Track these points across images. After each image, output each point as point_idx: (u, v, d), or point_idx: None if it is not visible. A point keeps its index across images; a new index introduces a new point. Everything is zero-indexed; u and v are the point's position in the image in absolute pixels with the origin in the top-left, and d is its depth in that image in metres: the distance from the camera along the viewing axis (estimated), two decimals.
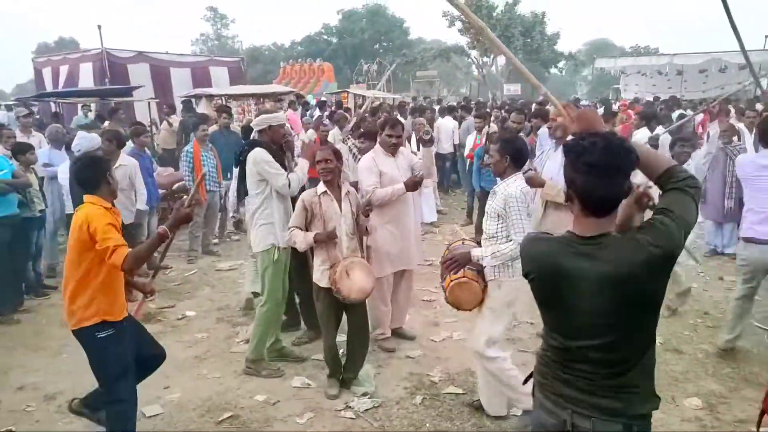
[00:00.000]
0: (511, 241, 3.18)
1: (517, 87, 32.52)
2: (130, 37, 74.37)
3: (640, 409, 1.80)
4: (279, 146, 4.17)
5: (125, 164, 5.92)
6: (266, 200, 4.07)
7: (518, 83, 33.50)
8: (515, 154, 3.32)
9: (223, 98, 13.65)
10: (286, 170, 4.08)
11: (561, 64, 40.53)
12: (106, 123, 9.43)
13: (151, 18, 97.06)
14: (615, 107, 14.08)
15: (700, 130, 10.82)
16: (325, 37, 49.85)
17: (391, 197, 4.31)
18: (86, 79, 15.83)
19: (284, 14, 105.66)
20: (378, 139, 4.63)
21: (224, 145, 7.49)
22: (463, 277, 3.28)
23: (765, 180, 4.10)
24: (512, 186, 3.25)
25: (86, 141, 5.77)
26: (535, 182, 4.02)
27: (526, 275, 1.92)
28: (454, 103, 16.46)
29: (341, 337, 4.06)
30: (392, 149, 4.45)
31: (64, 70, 16.89)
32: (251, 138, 4.88)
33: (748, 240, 4.13)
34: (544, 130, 5.96)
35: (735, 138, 6.73)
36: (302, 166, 4.25)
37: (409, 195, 4.47)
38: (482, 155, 7.64)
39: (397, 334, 4.77)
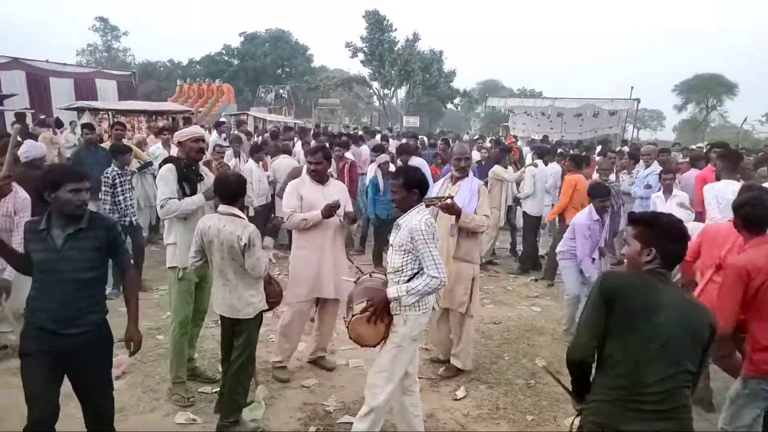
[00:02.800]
0: (423, 274, 3.12)
1: (416, 119, 33.81)
2: (6, 41, 67.76)
3: (692, 427, 2.16)
4: (193, 161, 4.02)
5: None
6: (170, 220, 3.94)
7: (417, 116, 34.86)
8: (417, 186, 3.28)
9: (110, 113, 12.79)
10: (194, 189, 3.95)
11: (457, 101, 42.75)
12: None
13: (31, 21, 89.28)
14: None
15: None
16: (226, 58, 48.82)
17: (305, 224, 4.26)
18: None
19: (183, 31, 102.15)
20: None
21: (93, 163, 6.67)
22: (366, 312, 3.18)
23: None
24: (415, 218, 3.18)
25: (34, 149, 5.64)
26: (452, 210, 4.17)
27: (608, 308, 2.18)
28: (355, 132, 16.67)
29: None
30: (314, 176, 4.42)
31: None
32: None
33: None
34: None
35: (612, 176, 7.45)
36: (195, 200, 3.94)
37: (330, 223, 4.36)
38: (377, 183, 7.82)
39: (318, 364, 4.67)
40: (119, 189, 6.11)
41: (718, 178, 5.21)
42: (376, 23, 37.44)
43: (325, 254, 4.41)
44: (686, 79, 48.03)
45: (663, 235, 2.22)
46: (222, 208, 3.49)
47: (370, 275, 3.57)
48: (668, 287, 2.21)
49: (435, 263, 3.10)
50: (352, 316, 3.23)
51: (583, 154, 9.54)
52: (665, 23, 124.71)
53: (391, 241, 3.28)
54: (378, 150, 8.37)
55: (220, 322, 3.73)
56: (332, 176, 4.86)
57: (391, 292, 3.16)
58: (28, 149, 5.62)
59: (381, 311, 3.17)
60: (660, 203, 6.21)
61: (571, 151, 13.35)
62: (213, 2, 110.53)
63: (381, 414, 3.27)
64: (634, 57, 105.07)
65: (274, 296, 3.73)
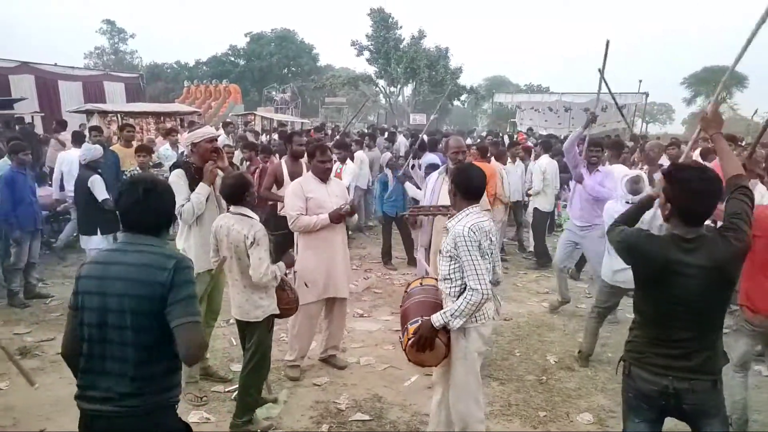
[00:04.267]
0: (465, 287, 2.93)
1: (423, 116, 33.71)
2: (14, 45, 68.35)
3: (720, 365, 2.32)
4: (206, 163, 3.98)
5: None
6: (183, 224, 3.97)
7: (423, 113, 34.75)
8: (463, 185, 3.05)
9: (118, 115, 12.87)
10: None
11: (463, 97, 42.60)
12: None
13: (37, 26, 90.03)
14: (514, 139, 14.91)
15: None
16: (232, 58, 48.94)
17: (314, 227, 4.24)
18: None
19: (189, 32, 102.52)
20: (310, 165, 4.57)
21: (103, 165, 6.63)
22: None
23: None
24: (459, 224, 2.97)
25: (90, 152, 5.98)
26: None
27: (634, 265, 2.36)
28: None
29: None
30: (325, 175, 4.40)
31: None
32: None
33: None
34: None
35: None
36: (199, 189, 3.96)
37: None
38: (385, 181, 7.86)
39: (329, 362, 4.67)
40: None
41: None
42: (382, 21, 37.36)
43: (336, 254, 4.41)
44: (695, 72, 47.58)
45: (680, 191, 2.25)
46: (233, 208, 3.50)
47: (421, 282, 3.52)
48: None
49: (476, 273, 2.88)
50: (408, 340, 3.08)
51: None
52: (674, 16, 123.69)
53: (440, 246, 3.12)
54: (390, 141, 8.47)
55: (235, 321, 3.76)
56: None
57: (435, 319, 2.98)
58: (84, 152, 5.97)
59: (430, 339, 3.00)
60: None
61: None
62: (218, 3, 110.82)
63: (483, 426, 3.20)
64: (641, 50, 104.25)
65: (287, 303, 3.68)
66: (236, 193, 3.47)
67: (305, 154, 5.23)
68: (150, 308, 1.99)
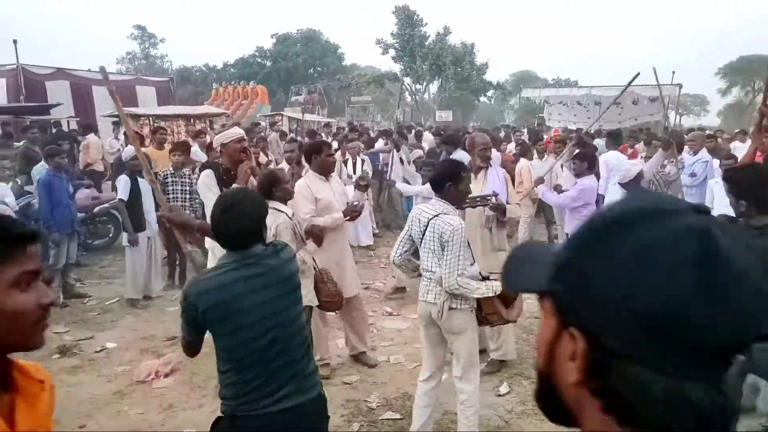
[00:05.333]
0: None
1: (449, 113, 33.54)
2: (49, 52, 70.52)
3: None
4: (236, 164, 3.87)
5: None
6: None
7: (449, 110, 34.58)
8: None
9: (150, 118, 13.15)
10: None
11: (490, 93, 42.23)
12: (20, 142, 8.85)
13: (72, 34, 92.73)
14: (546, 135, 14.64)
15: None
16: (259, 60, 49.51)
17: (329, 226, 4.22)
18: None
19: (217, 35, 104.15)
20: (311, 163, 4.44)
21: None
22: None
23: None
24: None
25: (127, 152, 6.33)
26: (501, 208, 4.26)
27: None
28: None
29: None
30: (331, 170, 4.40)
31: None
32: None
33: None
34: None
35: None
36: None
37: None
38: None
39: (359, 360, 4.68)
40: (169, 188, 6.33)
41: None
42: (407, 19, 37.30)
43: (345, 252, 4.41)
44: (730, 62, 46.14)
45: (748, 186, 2.40)
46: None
47: None
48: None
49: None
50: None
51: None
52: (708, 4, 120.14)
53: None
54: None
55: None
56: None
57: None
58: (126, 152, 6.40)
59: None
60: (718, 190, 5.97)
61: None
62: (245, 5, 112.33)
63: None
64: (673, 40, 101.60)
65: (328, 296, 3.72)
66: (265, 189, 3.60)
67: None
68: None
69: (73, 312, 5.99)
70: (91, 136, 11.14)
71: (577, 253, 0.61)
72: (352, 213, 4.23)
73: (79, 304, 6.22)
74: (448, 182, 3.27)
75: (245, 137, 4.20)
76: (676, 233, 0.55)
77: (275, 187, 3.63)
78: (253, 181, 4.07)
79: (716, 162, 7.09)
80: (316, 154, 4.39)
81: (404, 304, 6.20)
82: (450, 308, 3.23)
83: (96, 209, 8.10)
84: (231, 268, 2.14)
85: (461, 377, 3.38)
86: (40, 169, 6.52)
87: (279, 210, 3.58)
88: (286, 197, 3.68)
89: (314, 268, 3.83)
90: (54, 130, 12.09)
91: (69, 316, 5.88)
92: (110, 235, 8.35)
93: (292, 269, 2.26)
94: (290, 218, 3.61)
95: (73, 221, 6.32)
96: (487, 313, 3.30)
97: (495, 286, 3.22)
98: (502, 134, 15.19)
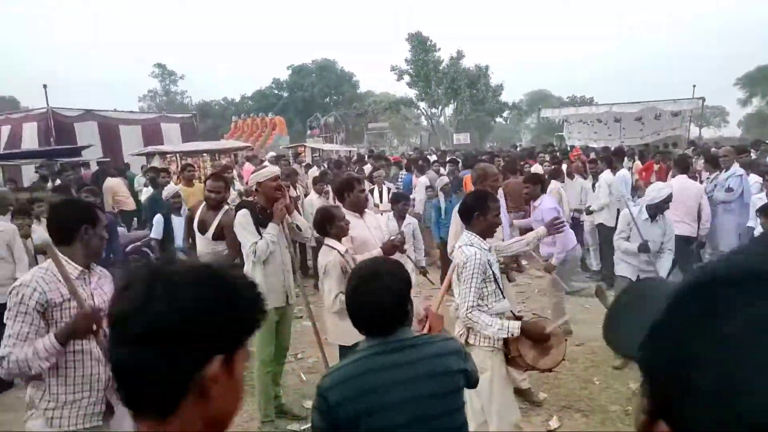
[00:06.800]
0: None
1: (466, 136, 33.61)
2: (73, 94, 72.90)
3: None
4: (271, 202, 3.95)
5: (1, 230, 5.09)
6: (249, 263, 4.00)
7: (467, 132, 34.66)
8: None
9: (177, 155, 13.41)
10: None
11: (505, 114, 42.32)
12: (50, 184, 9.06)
13: (95, 75, 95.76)
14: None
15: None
16: (276, 91, 50.46)
17: None
18: (30, 140, 15.28)
19: (234, 69, 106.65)
20: (344, 201, 4.32)
21: (164, 204, 7.00)
22: None
23: None
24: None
25: (167, 191, 6.68)
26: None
27: None
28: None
29: None
30: (364, 206, 4.37)
31: (6, 130, 16.29)
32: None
33: None
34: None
35: None
36: (270, 229, 3.95)
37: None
38: (439, 207, 7.82)
39: None
40: None
41: None
42: (420, 44, 37.77)
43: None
44: (749, 72, 45.68)
45: None
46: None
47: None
48: None
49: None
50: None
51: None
52: (724, 14, 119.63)
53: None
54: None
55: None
56: None
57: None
58: (166, 191, 6.75)
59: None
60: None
61: (635, 157, 12.89)
62: (261, 39, 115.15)
63: None
64: (691, 52, 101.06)
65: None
66: (318, 226, 3.77)
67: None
68: None
69: None
70: (109, 180, 11.11)
71: (671, 316, 0.46)
72: (392, 249, 4.03)
73: None
74: (476, 212, 3.24)
75: (279, 175, 4.23)
76: None
77: (329, 225, 3.67)
78: (289, 218, 4.09)
79: (753, 177, 6.94)
80: (348, 192, 4.27)
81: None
82: (467, 343, 3.12)
83: (129, 248, 8.21)
84: (372, 353, 1.74)
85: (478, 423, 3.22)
86: None
87: (332, 247, 3.61)
88: (340, 234, 3.70)
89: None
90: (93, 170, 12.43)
91: None
92: None
93: (449, 364, 1.78)
94: (342, 255, 3.61)
95: (107, 260, 6.42)
96: (511, 355, 3.16)
97: (511, 327, 3.04)
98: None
